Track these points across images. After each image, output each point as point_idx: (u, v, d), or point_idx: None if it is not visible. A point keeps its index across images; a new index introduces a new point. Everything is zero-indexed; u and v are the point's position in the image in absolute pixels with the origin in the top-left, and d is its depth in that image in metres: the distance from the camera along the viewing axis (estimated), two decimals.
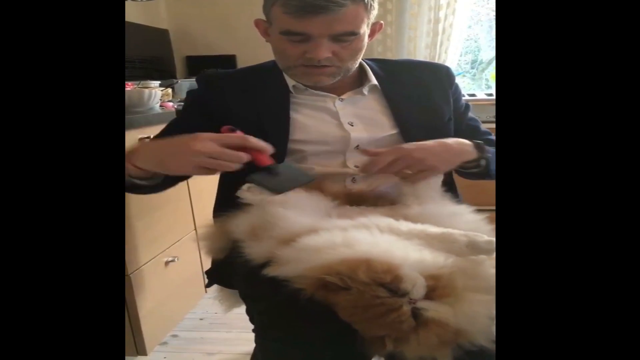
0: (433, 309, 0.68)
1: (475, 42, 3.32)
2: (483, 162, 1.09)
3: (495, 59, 1.81)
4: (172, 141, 0.92)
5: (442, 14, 2.85)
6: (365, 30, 1.06)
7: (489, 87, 3.30)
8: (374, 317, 0.68)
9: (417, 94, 1.17)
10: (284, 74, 1.14)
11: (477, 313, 0.69)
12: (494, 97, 2.80)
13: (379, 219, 0.84)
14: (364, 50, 1.11)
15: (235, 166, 0.87)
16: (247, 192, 0.92)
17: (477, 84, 3.32)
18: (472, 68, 3.35)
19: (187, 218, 2.06)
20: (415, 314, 0.68)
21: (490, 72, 3.25)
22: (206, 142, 0.87)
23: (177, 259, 1.93)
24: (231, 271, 1.05)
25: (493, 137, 1.25)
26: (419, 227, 0.82)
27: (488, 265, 0.75)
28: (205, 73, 1.20)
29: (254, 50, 2.91)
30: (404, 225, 0.82)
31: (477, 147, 1.09)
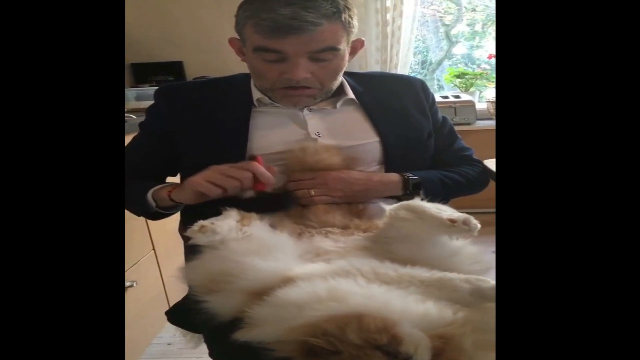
0: None
1: (423, 42, 3.23)
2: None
3: (496, 59, 1.79)
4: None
5: (389, 17, 2.71)
6: (345, 47, 0.94)
7: (440, 87, 3.21)
8: None
9: (395, 106, 1.08)
10: (252, 86, 1.04)
11: None
12: (449, 99, 2.72)
13: (359, 262, 0.68)
14: (344, 69, 1.00)
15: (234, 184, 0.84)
16: (199, 233, 0.74)
17: (429, 85, 3.22)
18: (423, 69, 3.26)
19: (143, 238, 1.85)
20: None
21: (444, 74, 3.16)
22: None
23: (136, 284, 1.74)
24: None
25: (470, 152, 1.18)
26: (409, 271, 0.67)
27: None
28: (163, 87, 1.08)
29: (201, 56, 2.72)
30: (392, 270, 0.66)
31: (404, 183, 1.00)
